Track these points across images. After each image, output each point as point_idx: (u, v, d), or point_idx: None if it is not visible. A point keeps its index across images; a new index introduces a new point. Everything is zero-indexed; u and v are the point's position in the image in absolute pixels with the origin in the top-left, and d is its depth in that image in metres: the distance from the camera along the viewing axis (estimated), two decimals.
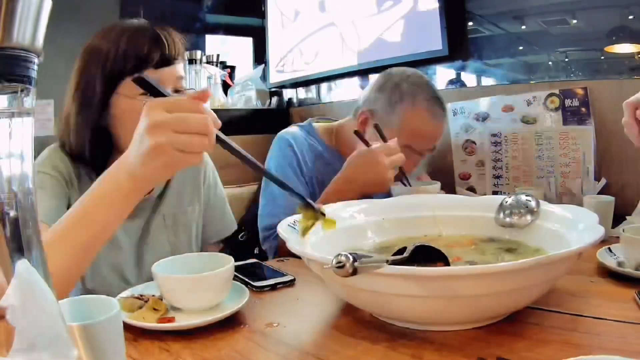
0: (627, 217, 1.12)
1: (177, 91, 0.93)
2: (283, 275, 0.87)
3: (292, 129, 1.34)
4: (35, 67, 0.35)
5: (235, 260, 0.75)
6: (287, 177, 1.19)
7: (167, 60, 0.90)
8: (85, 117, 0.90)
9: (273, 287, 0.83)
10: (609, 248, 0.88)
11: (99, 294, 0.55)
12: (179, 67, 0.94)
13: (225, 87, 2.29)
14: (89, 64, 0.90)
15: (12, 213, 0.34)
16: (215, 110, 2.01)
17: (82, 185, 0.93)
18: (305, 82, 2.32)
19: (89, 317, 0.48)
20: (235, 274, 0.78)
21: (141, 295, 0.73)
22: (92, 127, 0.90)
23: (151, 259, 0.88)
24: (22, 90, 0.35)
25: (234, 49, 2.76)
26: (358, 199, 0.97)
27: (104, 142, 0.92)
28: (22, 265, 0.34)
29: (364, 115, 1.25)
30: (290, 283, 0.85)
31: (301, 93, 2.41)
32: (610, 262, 0.82)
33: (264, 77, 2.46)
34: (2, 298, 0.34)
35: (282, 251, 1.13)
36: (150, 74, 0.86)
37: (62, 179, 0.91)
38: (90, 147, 0.91)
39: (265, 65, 2.49)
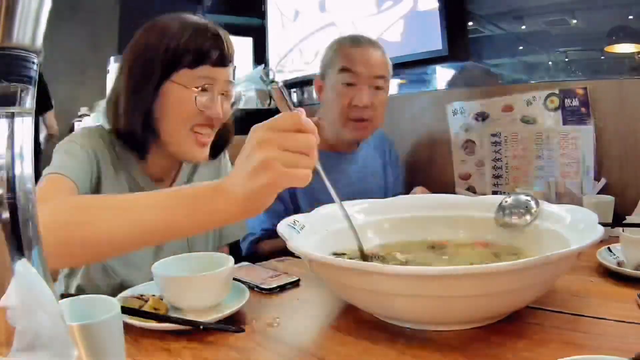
0: (627, 217, 1.12)
1: (224, 93, 0.95)
2: (287, 274, 0.87)
3: None
4: (36, 67, 0.35)
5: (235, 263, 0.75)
6: None
7: (224, 60, 0.93)
8: (138, 100, 0.90)
9: (282, 288, 0.82)
10: (609, 248, 0.88)
11: (108, 289, 0.55)
12: (231, 71, 0.96)
13: None
14: (148, 48, 0.90)
15: (12, 213, 0.35)
16: None
17: (111, 173, 0.93)
18: (305, 82, 2.32)
19: (90, 317, 0.49)
20: (239, 278, 0.78)
21: (141, 295, 0.73)
22: (143, 111, 0.90)
23: (167, 255, 0.83)
24: (22, 90, 0.35)
25: (234, 49, 2.76)
26: None
27: (152, 128, 0.92)
28: (22, 265, 0.34)
29: (316, 84, 1.39)
30: (296, 283, 0.85)
31: (301, 93, 2.41)
32: (610, 262, 0.82)
33: None
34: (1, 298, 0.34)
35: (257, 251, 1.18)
36: (206, 71, 0.89)
37: (92, 155, 0.91)
38: (140, 130, 0.91)
39: (265, 65, 2.49)
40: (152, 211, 0.63)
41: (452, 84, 1.82)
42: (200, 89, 0.90)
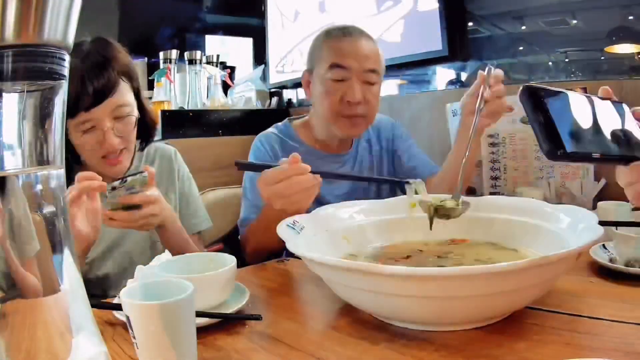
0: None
1: (117, 118, 1.00)
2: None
3: (268, 130, 1.34)
4: (67, 64, 0.35)
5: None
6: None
7: (94, 102, 0.97)
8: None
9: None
10: (603, 245, 0.88)
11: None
12: (114, 98, 0.99)
13: (225, 87, 2.29)
14: None
15: (50, 209, 0.35)
16: (215, 111, 2.03)
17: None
18: None
19: (165, 297, 0.53)
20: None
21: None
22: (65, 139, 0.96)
23: (130, 245, 1.11)
24: (52, 88, 0.35)
25: (234, 49, 2.76)
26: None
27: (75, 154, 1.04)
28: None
29: (304, 78, 1.30)
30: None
31: (301, 94, 2.41)
32: (602, 258, 0.83)
33: (264, 77, 2.46)
34: None
35: (247, 246, 1.16)
36: (84, 117, 0.97)
37: None
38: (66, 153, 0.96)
39: (265, 65, 2.49)
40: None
41: (466, 84, 1.81)
42: (84, 132, 0.98)
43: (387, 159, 1.39)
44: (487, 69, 1.00)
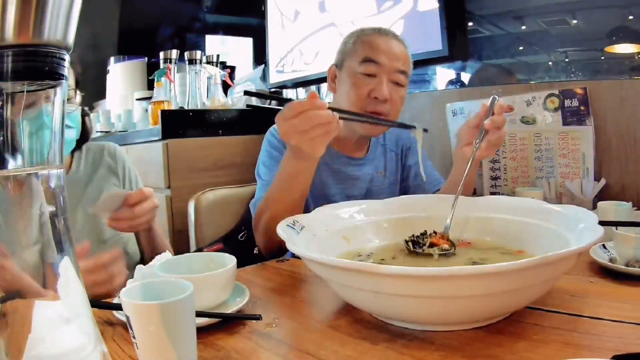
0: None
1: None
2: None
3: None
4: (67, 64, 0.35)
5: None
6: (280, 151, 1.18)
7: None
8: None
9: None
10: (604, 245, 0.89)
11: None
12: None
13: (225, 87, 2.29)
14: None
15: (50, 209, 0.36)
16: (215, 111, 2.03)
17: None
18: (305, 83, 2.32)
19: (164, 298, 0.53)
20: None
21: None
22: None
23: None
24: (53, 88, 0.35)
25: (234, 49, 2.76)
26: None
27: None
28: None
29: (330, 72, 1.30)
30: None
31: (301, 93, 2.41)
32: (602, 258, 0.83)
33: (264, 77, 2.46)
34: None
35: (260, 222, 1.10)
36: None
37: None
38: None
39: (265, 65, 2.49)
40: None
41: (469, 84, 1.81)
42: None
43: (400, 165, 1.39)
44: (491, 99, 1.00)
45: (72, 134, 1.09)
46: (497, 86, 1.66)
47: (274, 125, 1.31)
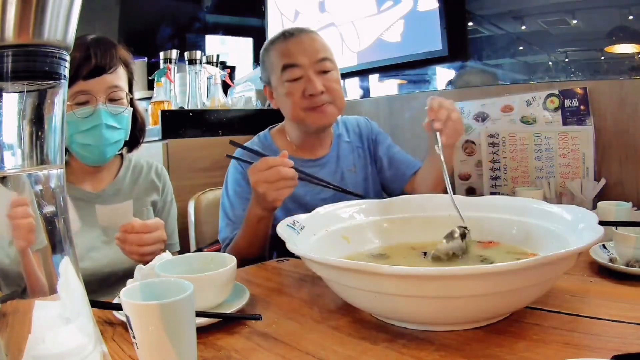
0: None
1: (111, 100, 1.04)
2: None
3: (249, 141, 1.34)
4: (67, 64, 0.35)
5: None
6: (243, 189, 1.22)
7: (94, 72, 1.02)
8: None
9: None
10: (604, 245, 0.89)
11: None
12: (111, 77, 1.04)
13: (225, 87, 2.29)
14: None
15: (50, 209, 0.36)
16: (215, 111, 2.03)
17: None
18: None
19: (164, 298, 0.53)
20: None
21: None
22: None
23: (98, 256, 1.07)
24: (52, 87, 0.35)
25: (234, 49, 2.76)
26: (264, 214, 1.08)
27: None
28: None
29: (265, 92, 1.34)
30: None
31: None
32: (602, 258, 0.83)
33: None
34: None
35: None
36: (82, 86, 1.01)
37: None
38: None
39: None
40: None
41: (463, 85, 1.80)
42: (76, 103, 1.01)
43: (370, 159, 1.40)
44: (428, 99, 1.08)
45: (120, 135, 1.08)
46: (497, 86, 1.66)
47: (234, 162, 1.32)
